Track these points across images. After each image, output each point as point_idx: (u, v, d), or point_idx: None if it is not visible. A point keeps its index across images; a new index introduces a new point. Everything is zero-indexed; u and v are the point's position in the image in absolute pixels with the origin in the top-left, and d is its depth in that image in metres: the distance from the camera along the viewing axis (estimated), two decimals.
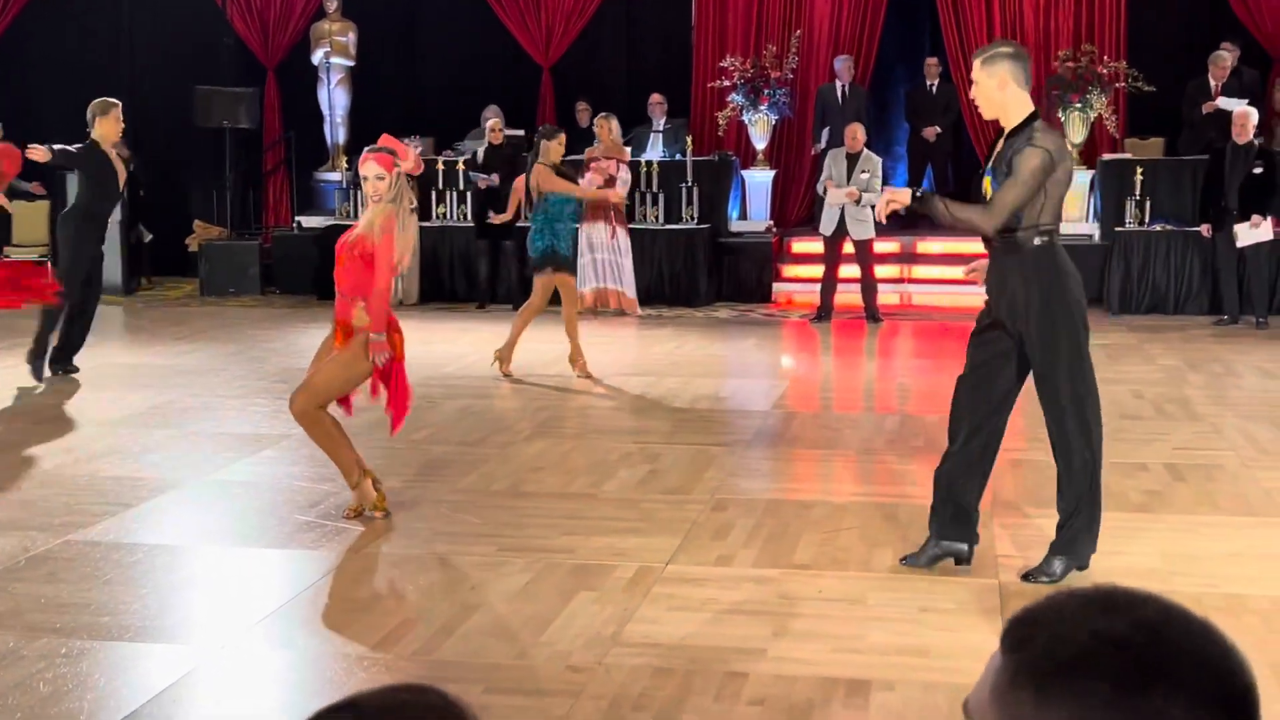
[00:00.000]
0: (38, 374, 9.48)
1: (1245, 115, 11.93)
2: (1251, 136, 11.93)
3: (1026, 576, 5.14)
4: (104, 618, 4.84)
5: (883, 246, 13.63)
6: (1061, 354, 4.97)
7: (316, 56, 15.95)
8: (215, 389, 9.31)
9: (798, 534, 5.80)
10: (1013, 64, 4.92)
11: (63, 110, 16.29)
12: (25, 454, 7.30)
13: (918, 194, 5.02)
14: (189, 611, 5.01)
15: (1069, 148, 5.06)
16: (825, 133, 14.31)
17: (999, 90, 4.93)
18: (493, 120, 13.82)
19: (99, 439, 7.70)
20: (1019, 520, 5.99)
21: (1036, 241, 4.92)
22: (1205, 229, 12.30)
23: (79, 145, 9.58)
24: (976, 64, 5.00)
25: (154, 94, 16.93)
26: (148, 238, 15.59)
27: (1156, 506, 6.24)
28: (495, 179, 13.29)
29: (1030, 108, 4.98)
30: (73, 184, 11.00)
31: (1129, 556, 5.48)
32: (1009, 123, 4.99)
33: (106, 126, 9.60)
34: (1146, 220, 13.23)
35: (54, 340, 9.55)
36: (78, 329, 9.71)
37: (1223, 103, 13.25)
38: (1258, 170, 11.85)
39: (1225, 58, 13.53)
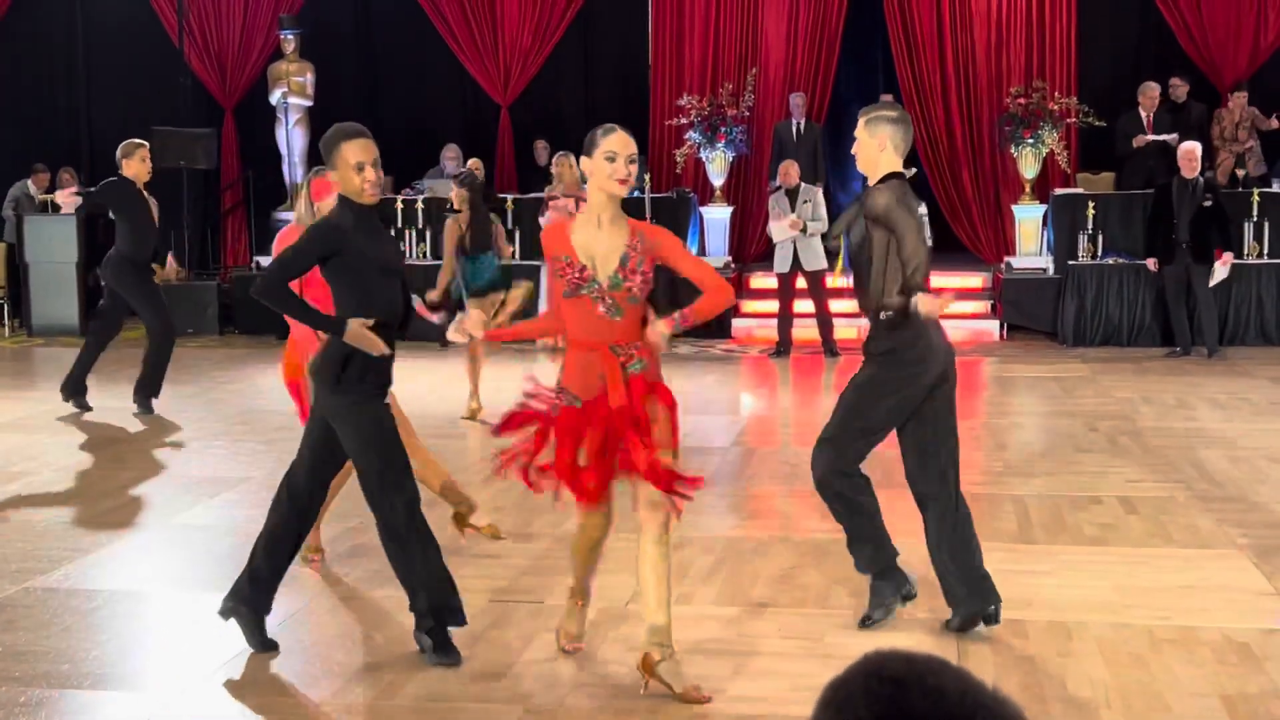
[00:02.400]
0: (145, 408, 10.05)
1: (1192, 150, 12.12)
2: (1199, 171, 12.12)
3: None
4: (63, 665, 4.83)
5: (838, 281, 13.74)
6: (853, 422, 5.05)
7: (274, 97, 15.98)
8: (174, 431, 9.28)
9: (757, 572, 5.84)
10: (894, 128, 5.08)
11: (15, 156, 16.26)
12: None
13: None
14: (148, 658, 5.00)
15: (922, 213, 5.17)
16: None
17: (879, 151, 5.10)
18: (472, 160, 13.89)
19: (57, 484, 7.66)
20: None
21: (882, 316, 5.01)
22: (1152, 263, 12.46)
23: (108, 181, 9.95)
24: (861, 122, 5.16)
25: (111, 134, 16.87)
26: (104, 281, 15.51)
27: (1110, 539, 6.32)
28: None
29: (897, 169, 5.14)
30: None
31: (1083, 590, 5.56)
32: (875, 180, 5.18)
33: (133, 168, 9.88)
34: (1099, 254, 13.41)
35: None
36: (90, 357, 10.24)
37: (1154, 137, 13.52)
38: (1207, 204, 12.04)
39: (1154, 88, 13.77)
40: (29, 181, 15.52)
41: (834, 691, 1.31)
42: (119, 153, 9.97)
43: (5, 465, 8.17)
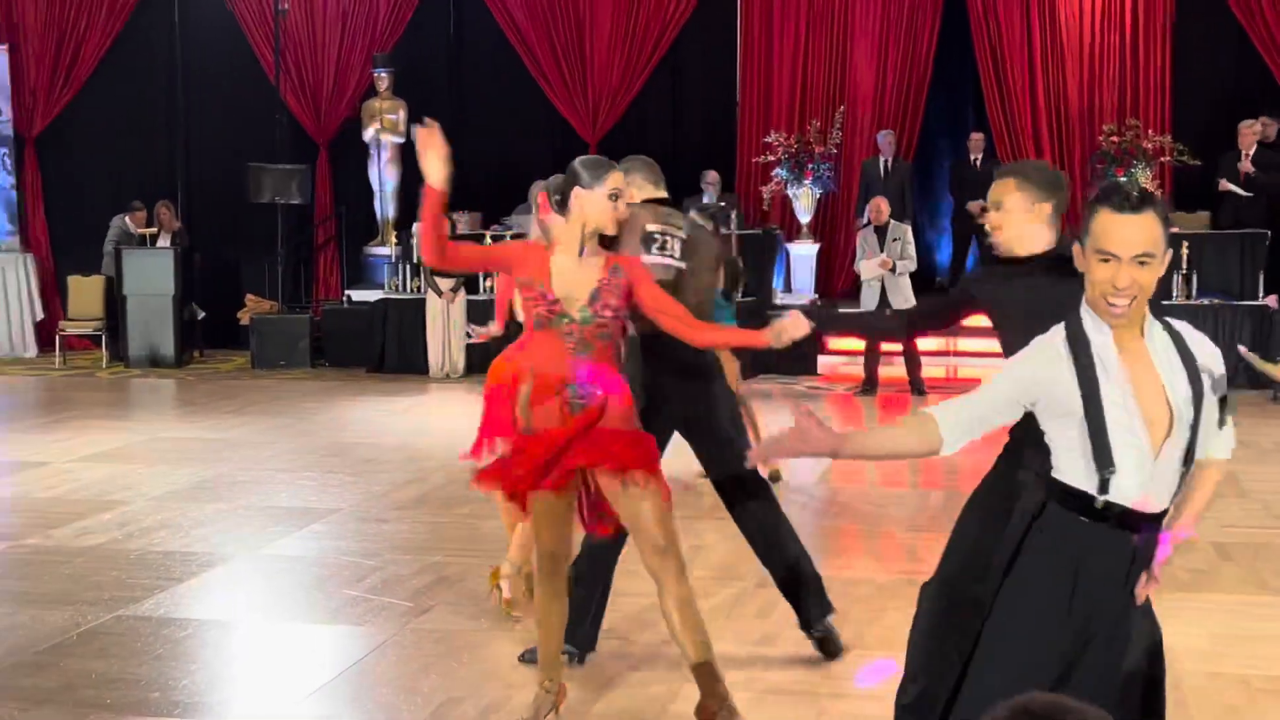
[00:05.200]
0: None
1: None
2: None
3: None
4: (154, 693, 4.90)
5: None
6: None
7: (368, 134, 16.23)
8: (265, 462, 9.41)
9: (843, 613, 5.78)
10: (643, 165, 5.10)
11: (115, 191, 16.65)
12: (77, 529, 7.41)
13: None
14: (237, 687, 5.06)
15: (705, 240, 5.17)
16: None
17: (638, 190, 5.04)
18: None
19: (150, 513, 7.80)
20: None
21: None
22: (1273, 299, 12.10)
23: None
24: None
25: (208, 171, 17.26)
26: (200, 315, 15.83)
27: (1203, 586, 6.19)
28: None
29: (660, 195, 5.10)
30: None
31: (1175, 637, 5.42)
32: None
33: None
34: (1193, 294, 13.19)
35: None
36: None
37: (1232, 188, 13.30)
38: None
39: (1253, 124, 13.54)
40: (126, 218, 15.88)
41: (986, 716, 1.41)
42: None
43: (101, 495, 8.33)
